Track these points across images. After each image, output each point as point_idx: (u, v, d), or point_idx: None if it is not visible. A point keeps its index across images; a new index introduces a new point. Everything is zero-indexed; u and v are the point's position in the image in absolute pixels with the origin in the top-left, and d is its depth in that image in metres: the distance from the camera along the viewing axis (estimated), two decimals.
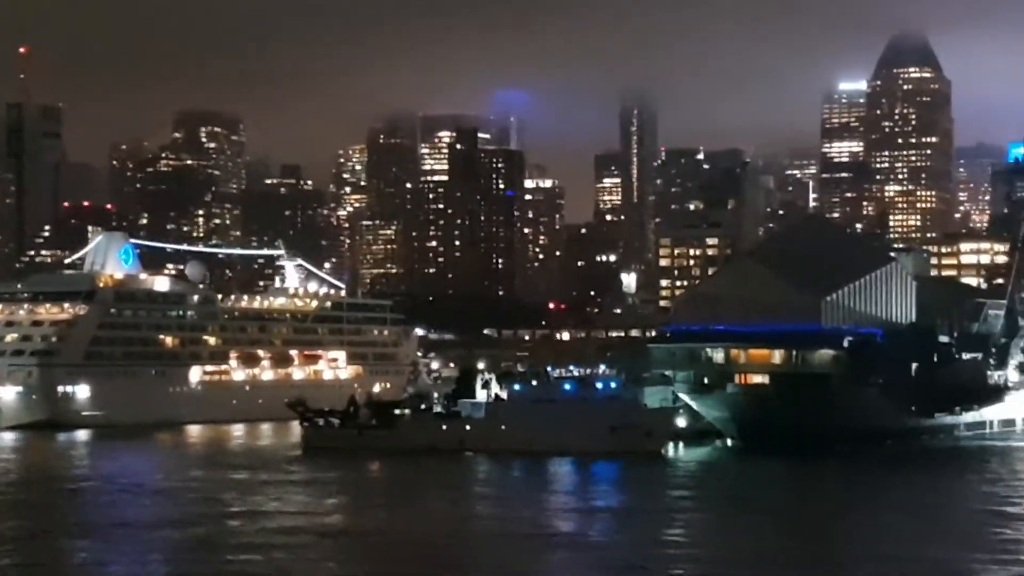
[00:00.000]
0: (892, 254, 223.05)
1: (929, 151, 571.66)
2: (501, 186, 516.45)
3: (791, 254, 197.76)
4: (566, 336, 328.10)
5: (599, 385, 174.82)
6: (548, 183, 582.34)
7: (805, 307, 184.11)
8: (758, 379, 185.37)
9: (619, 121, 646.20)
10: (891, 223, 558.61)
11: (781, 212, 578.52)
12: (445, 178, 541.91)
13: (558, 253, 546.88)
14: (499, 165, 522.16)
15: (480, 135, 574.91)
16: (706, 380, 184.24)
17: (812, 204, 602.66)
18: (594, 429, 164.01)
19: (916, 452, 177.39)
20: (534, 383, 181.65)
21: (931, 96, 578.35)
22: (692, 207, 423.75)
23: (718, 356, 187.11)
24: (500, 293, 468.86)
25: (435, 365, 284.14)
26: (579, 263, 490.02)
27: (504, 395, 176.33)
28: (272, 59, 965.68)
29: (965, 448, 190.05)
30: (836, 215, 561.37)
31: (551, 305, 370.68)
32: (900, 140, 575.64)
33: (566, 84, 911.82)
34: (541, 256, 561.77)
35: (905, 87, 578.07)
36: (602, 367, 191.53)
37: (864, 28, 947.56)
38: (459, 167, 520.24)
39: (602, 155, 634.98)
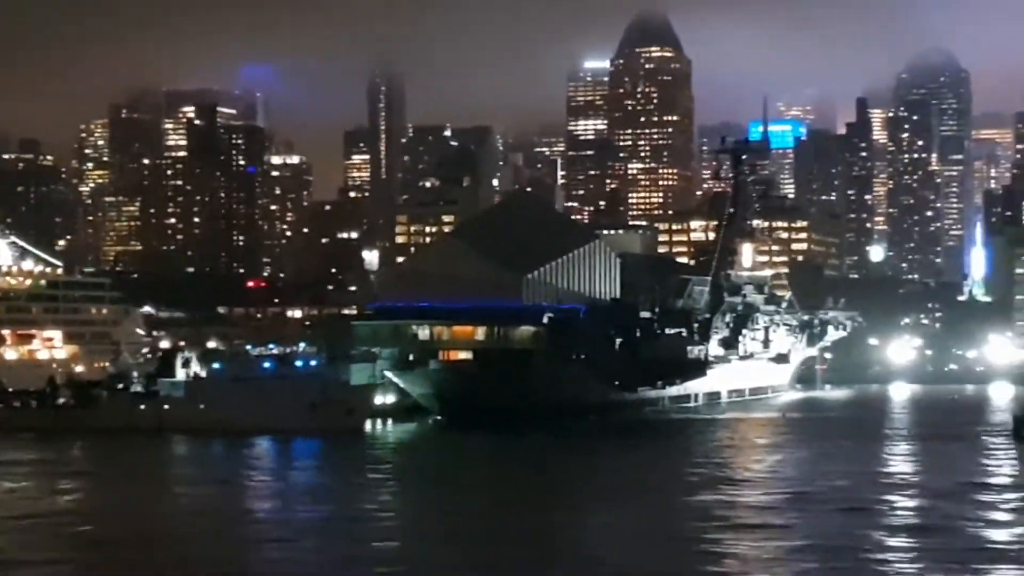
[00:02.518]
0: (597, 232, 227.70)
1: (670, 129, 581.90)
2: (242, 162, 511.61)
3: (496, 232, 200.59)
4: (298, 314, 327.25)
5: (299, 363, 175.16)
6: (295, 159, 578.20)
7: (507, 284, 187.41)
8: (463, 355, 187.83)
9: (367, 97, 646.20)
10: (633, 200, 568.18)
11: (529, 189, 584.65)
12: (185, 154, 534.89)
13: (306, 230, 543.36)
14: (239, 141, 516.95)
15: (225, 110, 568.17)
16: (411, 357, 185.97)
17: (560, 181, 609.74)
18: (294, 407, 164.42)
19: (619, 425, 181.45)
20: (248, 362, 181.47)
21: (672, 75, 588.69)
22: (428, 184, 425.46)
23: (423, 333, 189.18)
24: (241, 271, 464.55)
25: (164, 344, 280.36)
26: (323, 240, 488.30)
27: (204, 374, 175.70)
28: (11, 31, 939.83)
29: (668, 421, 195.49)
30: (582, 193, 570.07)
31: (250, 283, 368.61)
32: (642, 118, 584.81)
33: (316, 59, 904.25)
34: (289, 233, 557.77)
35: (647, 66, 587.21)
36: (302, 345, 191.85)
37: (608, 6, 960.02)
38: (199, 143, 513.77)
39: (351, 131, 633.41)
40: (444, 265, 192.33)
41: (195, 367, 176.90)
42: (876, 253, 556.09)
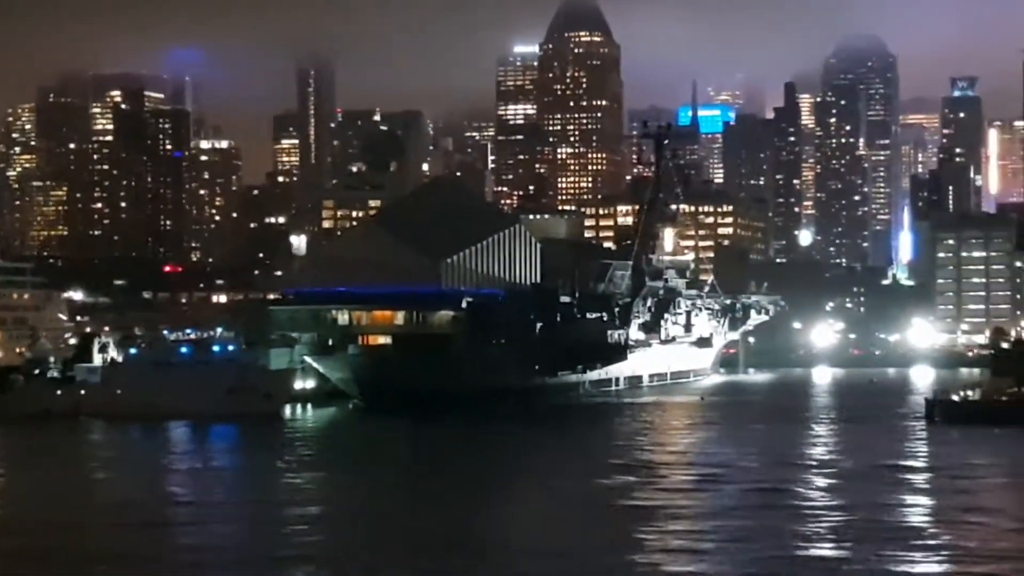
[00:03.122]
0: (523, 217, 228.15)
1: (600, 114, 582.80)
2: (169, 147, 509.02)
3: (416, 218, 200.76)
4: (224, 299, 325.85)
5: (216, 348, 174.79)
6: (224, 144, 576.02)
7: (425, 269, 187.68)
8: (382, 340, 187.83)
9: (296, 81, 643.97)
10: (563, 185, 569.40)
11: (459, 174, 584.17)
12: (112, 138, 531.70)
13: (235, 215, 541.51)
14: (166, 125, 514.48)
15: (153, 95, 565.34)
16: (330, 342, 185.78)
17: (491, 166, 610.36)
18: (211, 392, 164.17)
19: (538, 409, 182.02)
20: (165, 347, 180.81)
21: (601, 60, 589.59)
22: (355, 169, 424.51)
23: (342, 318, 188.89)
24: (169, 256, 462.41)
25: (89, 329, 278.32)
26: (251, 225, 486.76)
27: (121, 359, 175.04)
28: None
29: (588, 405, 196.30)
30: (511, 177, 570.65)
31: (167, 268, 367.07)
32: (572, 103, 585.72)
33: (245, 43, 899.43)
34: (218, 217, 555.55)
35: (576, 51, 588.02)
36: (219, 330, 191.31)
37: None
38: (125, 128, 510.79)
39: (280, 116, 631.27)
40: (363, 250, 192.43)
41: (112, 352, 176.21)
42: (804, 237, 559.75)
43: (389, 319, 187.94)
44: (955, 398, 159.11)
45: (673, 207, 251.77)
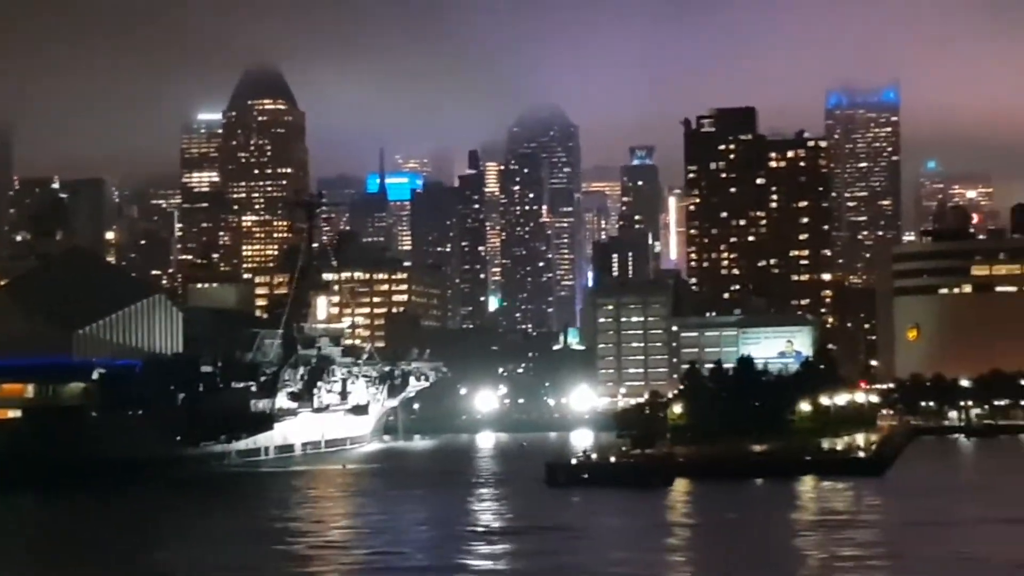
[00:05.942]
0: (193, 286, 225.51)
1: (285, 181, 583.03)
2: None
3: (45, 288, 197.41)
4: None
5: None
6: None
7: (56, 340, 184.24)
8: (11, 414, 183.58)
9: None
10: (248, 253, 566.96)
11: (144, 242, 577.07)
12: None
13: None
14: None
15: None
16: None
17: (177, 234, 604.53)
18: None
19: (177, 480, 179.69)
20: None
21: (286, 128, 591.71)
22: (19, 238, 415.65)
23: None
24: None
25: None
26: None
27: None
28: None
29: (229, 475, 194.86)
30: (193, 246, 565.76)
31: None
32: (256, 171, 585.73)
33: None
34: None
35: (260, 119, 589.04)
36: None
37: (220, 59, 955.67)
38: None
39: None
40: None
41: None
42: (491, 303, 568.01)
43: (18, 392, 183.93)
44: (573, 461, 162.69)
45: (326, 275, 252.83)
